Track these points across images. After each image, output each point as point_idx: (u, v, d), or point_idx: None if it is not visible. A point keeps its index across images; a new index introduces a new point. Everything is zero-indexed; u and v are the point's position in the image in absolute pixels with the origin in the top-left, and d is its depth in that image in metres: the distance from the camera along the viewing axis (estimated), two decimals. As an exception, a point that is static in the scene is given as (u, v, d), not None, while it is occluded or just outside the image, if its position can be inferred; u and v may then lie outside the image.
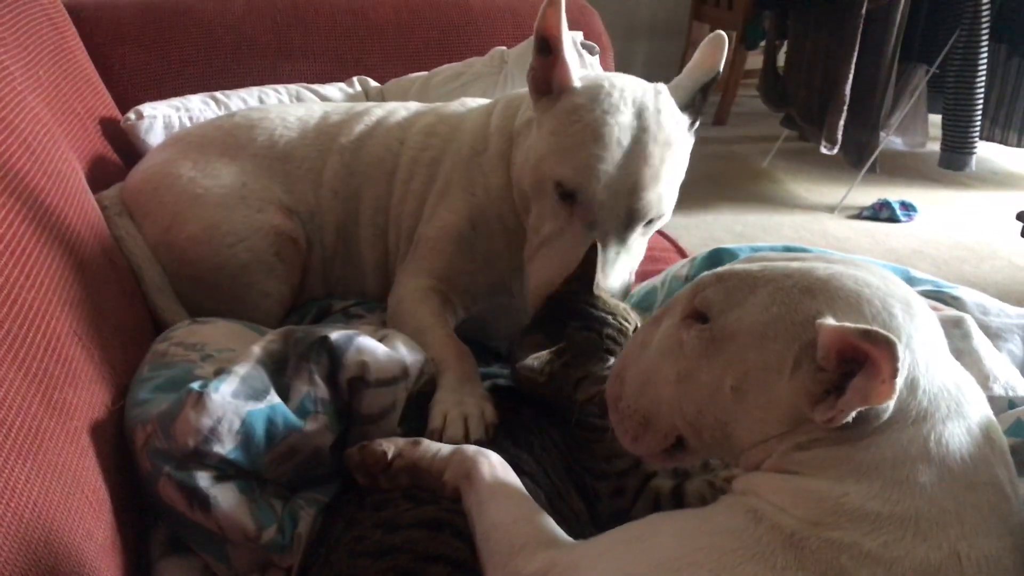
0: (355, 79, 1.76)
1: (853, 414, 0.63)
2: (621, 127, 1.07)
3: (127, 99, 1.64)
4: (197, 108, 1.59)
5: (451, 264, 1.23)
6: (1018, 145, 3.54)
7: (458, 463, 0.86)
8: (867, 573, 0.60)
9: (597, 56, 1.70)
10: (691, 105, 1.16)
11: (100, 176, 1.39)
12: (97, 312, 1.01)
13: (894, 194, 3.60)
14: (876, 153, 3.51)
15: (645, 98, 1.11)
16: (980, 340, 0.86)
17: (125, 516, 0.87)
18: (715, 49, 1.15)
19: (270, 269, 1.28)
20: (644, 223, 1.10)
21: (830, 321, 0.64)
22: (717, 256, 1.10)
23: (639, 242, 1.13)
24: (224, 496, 0.86)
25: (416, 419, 1.01)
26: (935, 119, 3.61)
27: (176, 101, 1.59)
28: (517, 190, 1.18)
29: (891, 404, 0.63)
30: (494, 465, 0.86)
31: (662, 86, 1.16)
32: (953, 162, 3.41)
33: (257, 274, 1.27)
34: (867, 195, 3.59)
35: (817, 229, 3.42)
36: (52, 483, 0.74)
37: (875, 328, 0.61)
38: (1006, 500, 0.64)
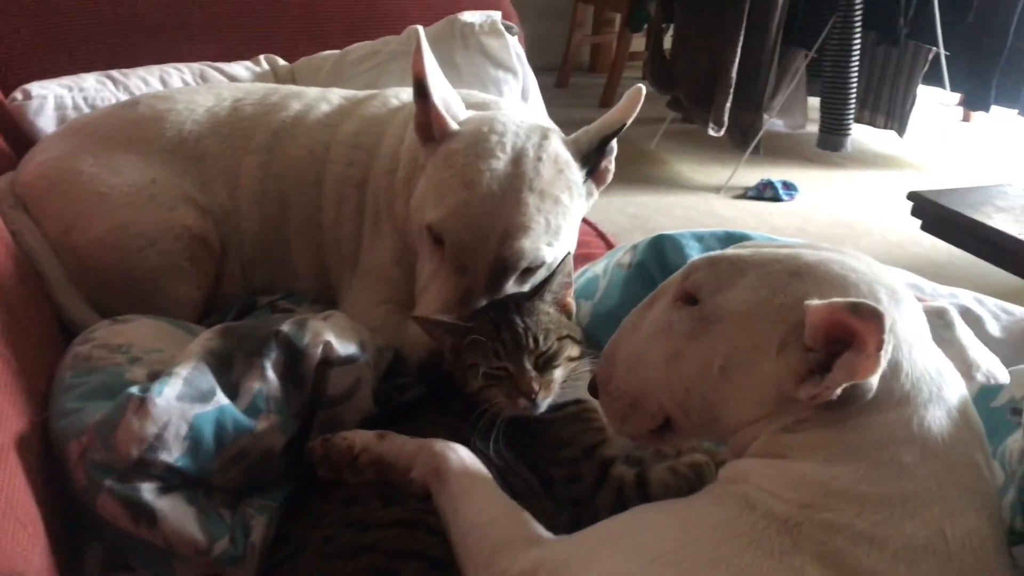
0: (262, 57, 1.66)
1: (838, 391, 0.65)
2: (493, 173, 1.03)
3: (8, 78, 1.50)
4: (92, 88, 1.46)
5: (398, 287, 1.20)
6: (884, 127, 3.75)
7: (426, 459, 0.84)
8: (861, 552, 0.62)
9: (516, 36, 1.68)
10: (587, 156, 1.11)
11: (-16, 163, 1.27)
12: (7, 314, 0.92)
13: (776, 174, 3.74)
14: (760, 135, 3.63)
15: (527, 143, 1.06)
16: (963, 330, 0.89)
17: (57, 537, 0.80)
18: (631, 103, 1.10)
19: (182, 273, 1.20)
20: (518, 273, 1.05)
21: (817, 302, 0.65)
22: (659, 243, 1.09)
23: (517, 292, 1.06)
24: (171, 509, 0.81)
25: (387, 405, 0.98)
26: (813, 102, 3.77)
27: (68, 80, 1.46)
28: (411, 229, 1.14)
29: (875, 383, 0.65)
30: (463, 459, 0.84)
31: (553, 131, 1.12)
32: (830, 143, 3.58)
33: (168, 279, 1.19)
34: (751, 175, 3.72)
35: (706, 209, 3.52)
36: (-12, 509, 0.67)
37: (863, 301, 0.62)
38: (983, 480, 0.67)
